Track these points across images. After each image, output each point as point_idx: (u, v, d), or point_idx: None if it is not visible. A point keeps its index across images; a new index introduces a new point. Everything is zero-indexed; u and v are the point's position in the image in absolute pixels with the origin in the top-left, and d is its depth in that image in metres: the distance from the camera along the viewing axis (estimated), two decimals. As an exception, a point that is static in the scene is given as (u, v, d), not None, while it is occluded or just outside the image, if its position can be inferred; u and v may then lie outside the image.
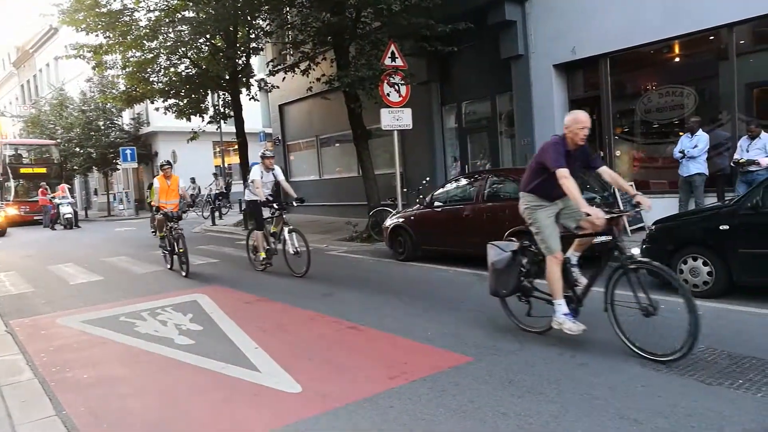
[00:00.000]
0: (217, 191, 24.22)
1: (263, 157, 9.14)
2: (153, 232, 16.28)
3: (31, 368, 4.76)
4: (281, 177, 9.24)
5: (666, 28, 9.55)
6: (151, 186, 17.22)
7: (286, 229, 8.79)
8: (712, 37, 9.47)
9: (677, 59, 10.21)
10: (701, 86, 9.85)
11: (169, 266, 9.86)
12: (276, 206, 8.93)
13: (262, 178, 8.98)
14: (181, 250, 9.05)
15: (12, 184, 27.15)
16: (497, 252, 5.14)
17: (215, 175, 26.02)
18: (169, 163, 10.18)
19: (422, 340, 5.08)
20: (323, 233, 13.87)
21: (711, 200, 8.77)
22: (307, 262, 8.47)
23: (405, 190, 12.58)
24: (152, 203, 11.41)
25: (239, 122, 18.16)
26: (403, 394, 3.85)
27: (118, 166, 29.16)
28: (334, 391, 4.01)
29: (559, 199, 4.78)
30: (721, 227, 5.89)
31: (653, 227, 6.80)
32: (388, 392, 3.89)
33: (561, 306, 4.67)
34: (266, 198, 8.83)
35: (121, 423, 3.69)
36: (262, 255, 9.17)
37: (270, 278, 8.82)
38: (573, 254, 4.88)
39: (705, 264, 6.02)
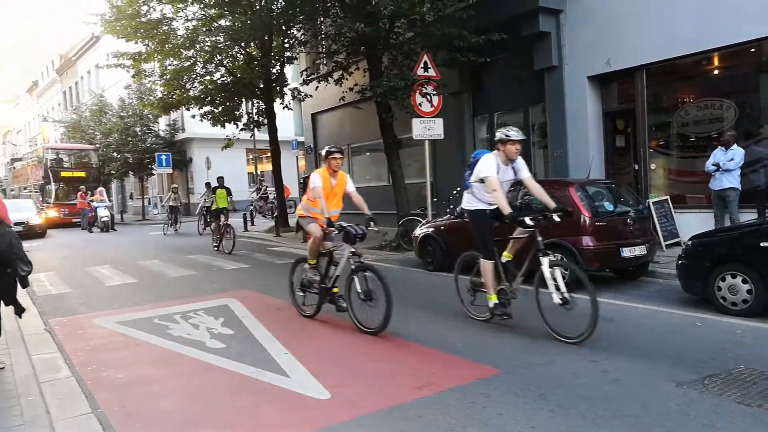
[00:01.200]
0: (259, 196, 25.34)
1: (503, 141, 5.55)
2: (216, 246, 13.56)
3: (69, 366, 4.90)
4: (526, 173, 5.77)
5: (704, 40, 9.36)
6: (216, 189, 14.30)
7: (545, 262, 5.23)
8: (753, 50, 9.26)
9: (716, 72, 9.99)
10: (741, 99, 9.62)
11: (310, 313, 6.42)
12: (530, 221, 5.32)
13: (498, 174, 5.61)
14: (363, 292, 5.63)
15: (53, 187, 28.08)
16: None
17: (261, 180, 26.75)
18: (339, 150, 6.37)
19: (451, 351, 5.06)
20: (352, 241, 13.91)
21: (745, 216, 8.54)
22: (591, 320, 4.87)
23: (435, 199, 12.55)
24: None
25: (272, 130, 18.44)
26: (432, 404, 3.84)
27: (154, 172, 29.84)
28: (362, 398, 4.02)
29: None
30: (762, 244, 5.73)
31: (689, 243, 6.65)
32: (416, 402, 3.89)
33: None
34: (514, 207, 5.37)
35: (154, 423, 3.77)
36: (493, 299, 5.68)
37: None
38: None
39: (744, 282, 5.86)
